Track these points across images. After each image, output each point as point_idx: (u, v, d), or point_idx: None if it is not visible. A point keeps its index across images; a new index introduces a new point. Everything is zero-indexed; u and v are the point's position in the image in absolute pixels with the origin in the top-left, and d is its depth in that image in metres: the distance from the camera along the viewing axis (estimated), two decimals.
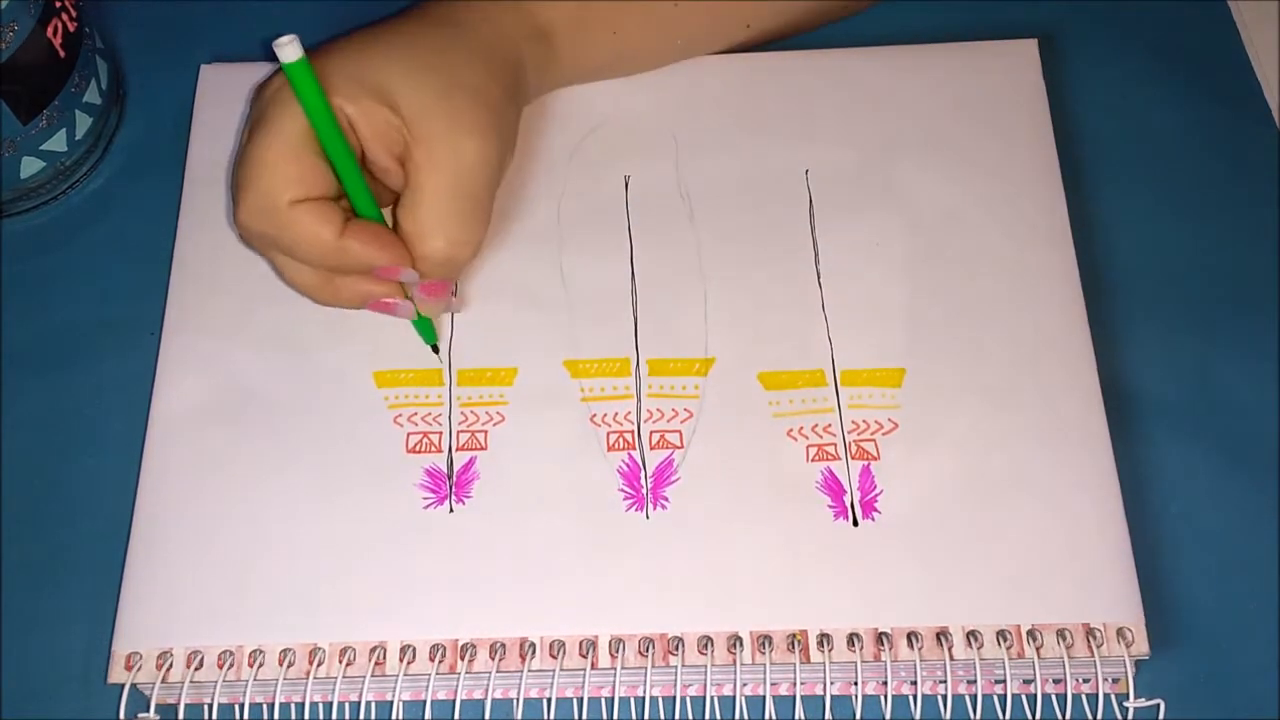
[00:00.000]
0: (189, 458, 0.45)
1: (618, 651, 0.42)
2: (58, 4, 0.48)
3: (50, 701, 0.44)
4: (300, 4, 0.56)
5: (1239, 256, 0.51)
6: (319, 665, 0.42)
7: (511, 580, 0.43)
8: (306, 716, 0.42)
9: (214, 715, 0.42)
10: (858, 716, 0.42)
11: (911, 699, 0.43)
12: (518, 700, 0.42)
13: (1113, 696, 0.43)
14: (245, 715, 0.42)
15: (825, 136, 0.51)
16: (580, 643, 0.42)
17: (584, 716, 0.42)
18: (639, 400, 0.46)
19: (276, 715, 0.43)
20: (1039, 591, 0.43)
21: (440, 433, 0.46)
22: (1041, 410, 0.46)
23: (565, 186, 0.50)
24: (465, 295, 0.48)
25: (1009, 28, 0.54)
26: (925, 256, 0.49)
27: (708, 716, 0.42)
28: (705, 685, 0.42)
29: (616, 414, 0.46)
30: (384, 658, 0.42)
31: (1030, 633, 0.42)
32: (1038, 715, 0.42)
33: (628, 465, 0.45)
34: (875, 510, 0.44)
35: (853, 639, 0.42)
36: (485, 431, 0.46)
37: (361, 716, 0.43)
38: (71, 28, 0.49)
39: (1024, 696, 0.42)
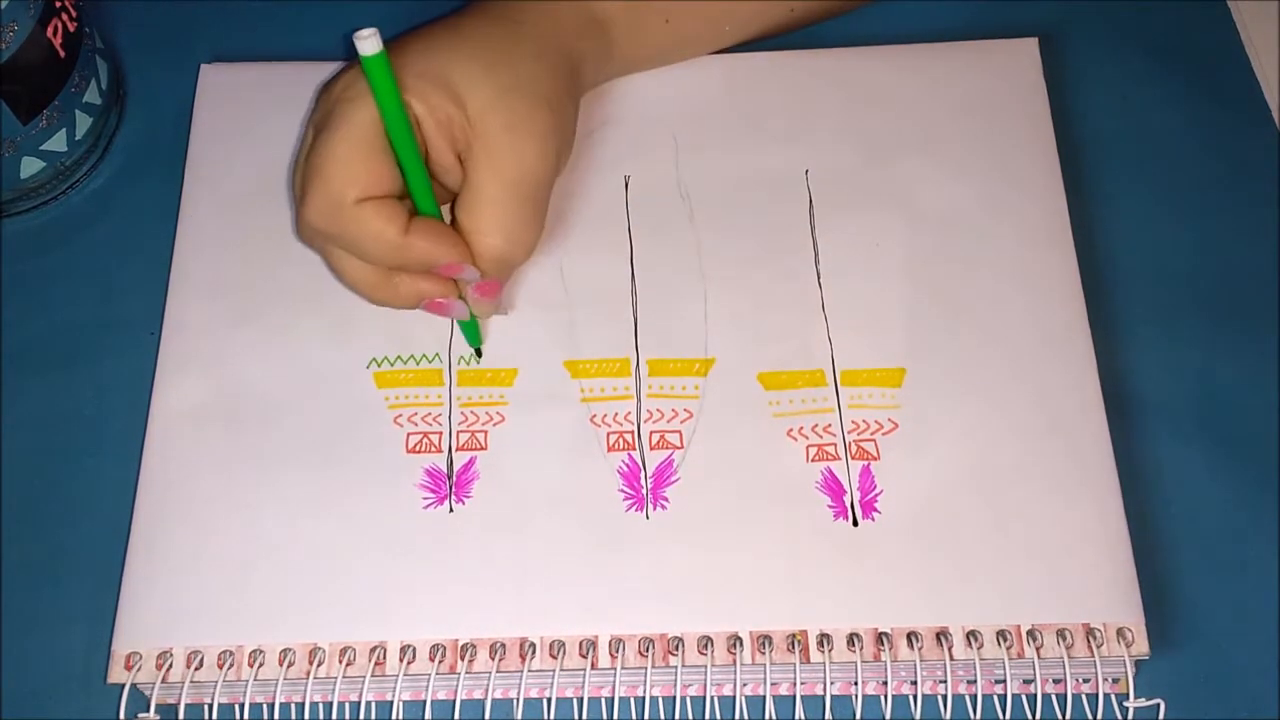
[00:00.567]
0: (189, 457, 0.45)
1: (618, 651, 0.42)
2: (58, 4, 0.48)
3: (50, 701, 0.44)
4: (300, 4, 0.56)
5: (1239, 256, 0.51)
6: (319, 665, 0.42)
7: (511, 580, 0.43)
8: (306, 716, 0.42)
9: (214, 715, 0.42)
10: (858, 716, 0.42)
11: (912, 699, 0.43)
12: (518, 700, 0.42)
13: (1113, 696, 0.43)
14: (245, 715, 0.42)
15: (825, 136, 0.51)
16: (580, 643, 0.42)
17: (584, 716, 0.42)
18: (639, 400, 0.46)
19: (276, 715, 0.43)
20: (1039, 591, 0.43)
21: (440, 433, 0.46)
22: (1041, 410, 0.46)
23: (565, 186, 0.50)
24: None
25: (1009, 27, 0.54)
26: (925, 256, 0.49)
27: (708, 716, 0.43)
28: (705, 685, 0.42)
29: (616, 414, 0.46)
30: (384, 658, 0.42)
31: (1030, 633, 0.42)
32: (1038, 715, 0.42)
33: (628, 465, 0.45)
34: (875, 510, 0.44)
35: (853, 639, 0.42)
36: (485, 432, 0.46)
37: (361, 716, 0.43)
38: (71, 28, 0.49)
39: (1024, 696, 0.42)
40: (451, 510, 0.45)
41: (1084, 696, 0.43)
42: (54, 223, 0.52)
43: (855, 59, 0.53)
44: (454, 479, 0.45)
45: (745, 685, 0.43)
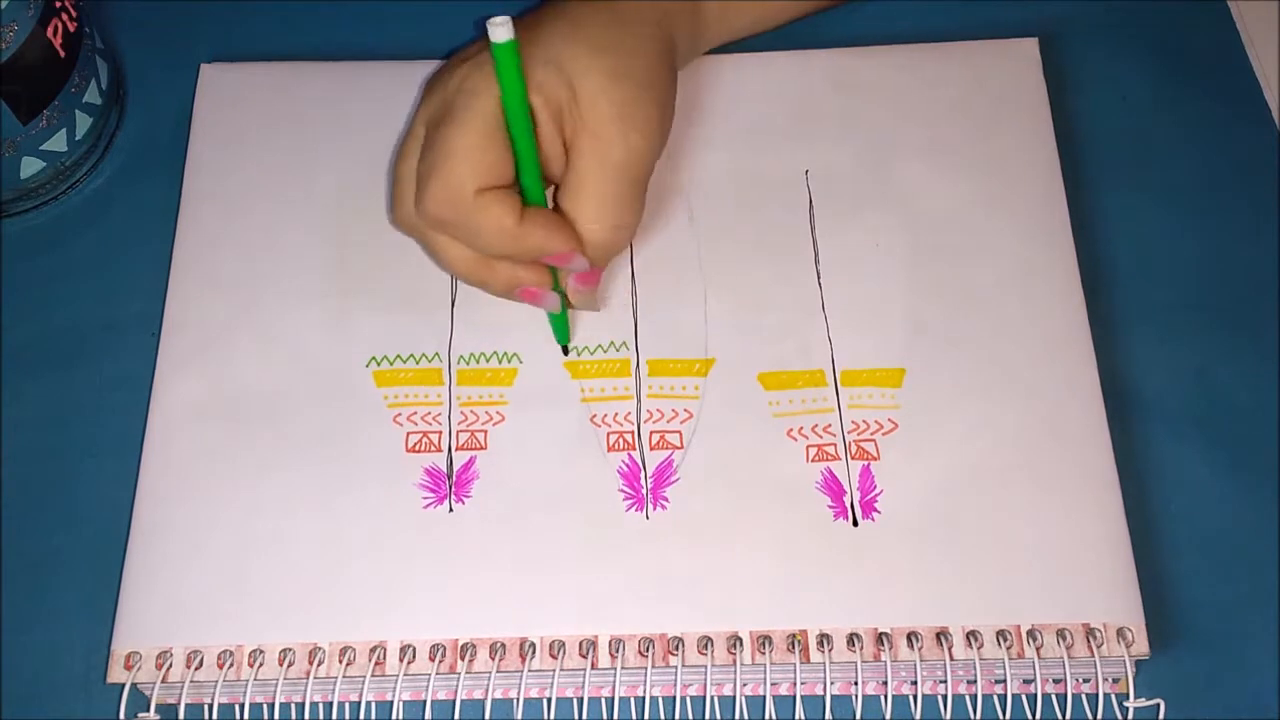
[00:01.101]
0: (189, 457, 0.45)
1: (618, 651, 0.42)
2: (58, 4, 0.48)
3: (50, 701, 0.44)
4: (300, 4, 0.56)
5: (1239, 257, 0.51)
6: (319, 665, 0.42)
7: (511, 580, 0.43)
8: (306, 716, 0.42)
9: (214, 715, 0.42)
10: (858, 716, 0.42)
11: (912, 699, 0.43)
12: (518, 700, 0.42)
13: (1113, 696, 0.43)
14: (245, 715, 0.42)
15: (825, 136, 0.51)
16: (580, 643, 0.42)
17: (584, 716, 0.42)
18: (639, 400, 0.46)
19: (277, 715, 0.43)
20: (1039, 591, 0.43)
21: (440, 432, 0.46)
22: (1041, 410, 0.46)
23: None
24: (466, 297, 0.48)
25: (1009, 27, 0.54)
26: (925, 256, 0.49)
27: (708, 716, 0.42)
28: (705, 685, 0.42)
29: (616, 414, 0.46)
30: (384, 657, 0.42)
31: (1030, 633, 0.42)
32: (1038, 715, 0.42)
33: (628, 465, 0.45)
34: (875, 510, 0.44)
35: (853, 639, 0.42)
36: (485, 431, 0.46)
37: (361, 716, 0.43)
38: (71, 28, 0.49)
39: (1024, 696, 0.42)
40: (451, 510, 0.45)
41: (1084, 696, 0.43)
42: (54, 223, 0.52)
43: (855, 59, 0.53)
44: (454, 478, 0.45)
45: (745, 685, 0.43)
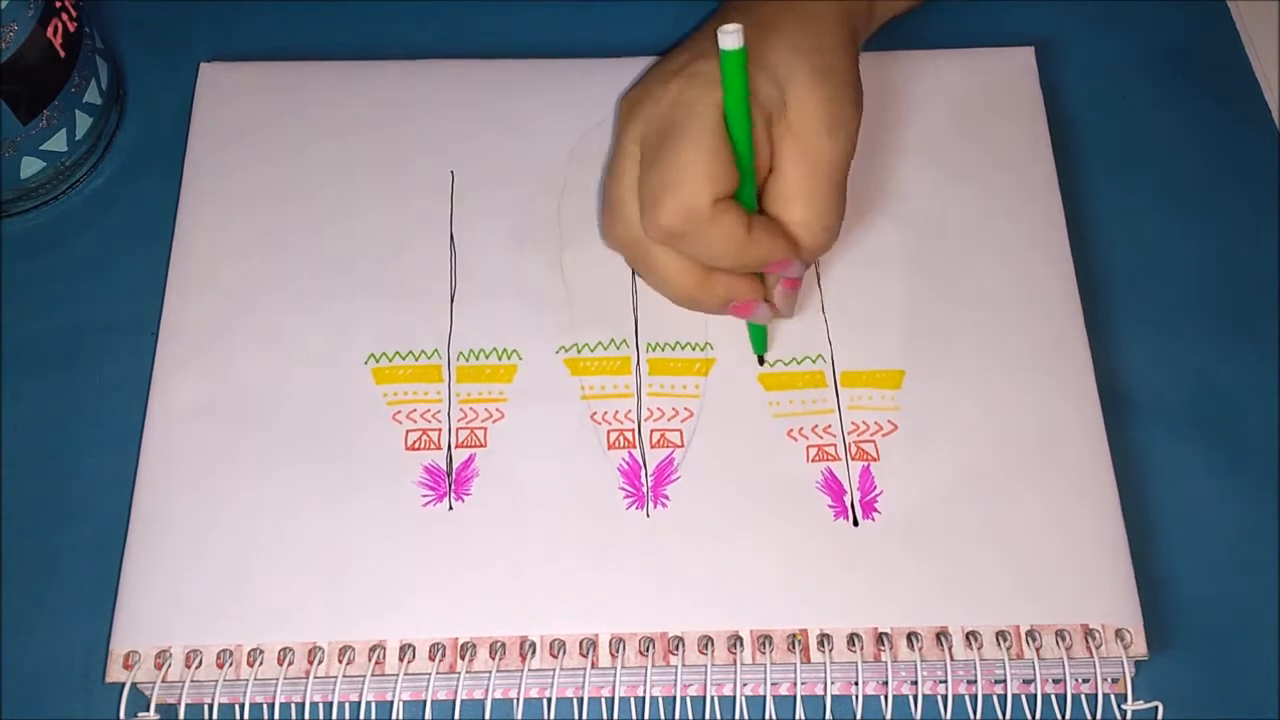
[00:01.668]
0: (188, 456, 0.45)
1: (618, 651, 0.42)
2: (58, 4, 0.48)
3: (50, 701, 0.44)
4: (300, 4, 0.56)
5: (1238, 257, 0.51)
6: (318, 664, 0.42)
7: (511, 579, 0.43)
8: (306, 716, 0.42)
9: (214, 715, 0.42)
10: (858, 716, 0.42)
11: (912, 699, 0.43)
12: (518, 700, 0.42)
13: (1112, 696, 0.43)
14: (245, 715, 0.42)
15: None
16: (580, 642, 0.42)
17: (584, 716, 0.42)
18: (639, 398, 0.46)
19: (276, 715, 0.43)
20: (1038, 592, 0.43)
21: (439, 430, 0.46)
22: (1040, 411, 0.46)
23: (565, 184, 0.50)
24: (465, 294, 0.48)
25: (1006, 34, 0.54)
26: (924, 260, 0.49)
27: (708, 716, 0.42)
28: (705, 685, 0.42)
29: (617, 412, 0.46)
30: (383, 657, 0.42)
31: (1029, 633, 0.42)
32: (1037, 715, 0.42)
33: (628, 463, 0.45)
34: (875, 510, 0.44)
35: (853, 639, 0.42)
36: (485, 429, 0.46)
37: (361, 716, 0.42)
38: (71, 28, 0.49)
39: (1024, 696, 0.42)
40: (451, 508, 0.45)
41: (1083, 697, 0.43)
42: (54, 223, 0.52)
43: None
44: (453, 476, 0.45)
45: (745, 685, 0.43)
